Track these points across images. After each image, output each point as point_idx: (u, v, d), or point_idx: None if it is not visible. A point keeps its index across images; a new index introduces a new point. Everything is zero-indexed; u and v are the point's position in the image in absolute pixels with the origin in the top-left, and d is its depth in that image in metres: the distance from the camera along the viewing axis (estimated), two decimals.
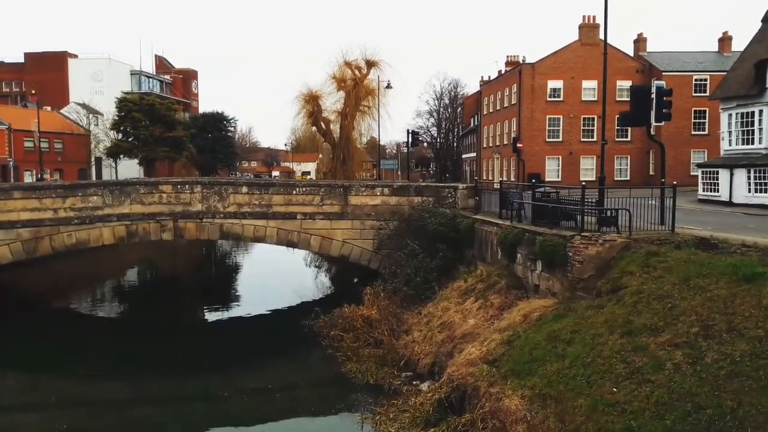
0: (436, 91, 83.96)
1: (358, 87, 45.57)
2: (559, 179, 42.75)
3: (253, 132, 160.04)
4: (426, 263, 20.25)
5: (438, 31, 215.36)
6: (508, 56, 57.02)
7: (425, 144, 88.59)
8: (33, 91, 65.91)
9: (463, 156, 76.65)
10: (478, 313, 15.57)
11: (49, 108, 71.12)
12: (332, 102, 47.29)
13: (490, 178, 52.22)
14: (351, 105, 45.72)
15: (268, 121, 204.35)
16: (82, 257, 30.45)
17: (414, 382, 14.38)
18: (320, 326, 18.68)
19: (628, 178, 43.92)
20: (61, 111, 74.79)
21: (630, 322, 10.60)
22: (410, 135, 46.72)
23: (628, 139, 43.76)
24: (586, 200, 14.87)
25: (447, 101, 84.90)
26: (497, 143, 52.50)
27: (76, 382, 16.81)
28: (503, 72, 55.55)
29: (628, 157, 44.54)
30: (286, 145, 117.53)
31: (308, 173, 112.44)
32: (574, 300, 13.07)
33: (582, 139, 44.21)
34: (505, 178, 44.91)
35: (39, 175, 58.67)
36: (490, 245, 18.80)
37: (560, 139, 44.45)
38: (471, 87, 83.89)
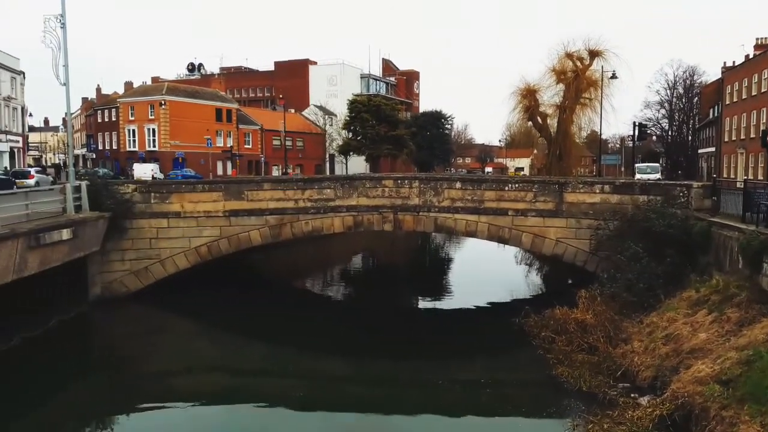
0: (669, 80, 76.27)
1: (579, 78, 43.43)
2: None
3: (468, 129, 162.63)
4: (651, 268, 18.74)
5: (671, 15, 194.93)
6: (757, 39, 49.64)
7: (654, 138, 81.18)
8: (281, 96, 75.33)
9: (699, 151, 68.69)
10: (710, 327, 14.04)
11: (293, 110, 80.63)
12: (550, 96, 45.83)
13: (732, 176, 46.05)
14: (570, 98, 43.81)
15: (483, 117, 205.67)
16: (315, 244, 34.26)
17: (632, 395, 13.52)
18: (530, 325, 18.48)
19: None
20: (303, 113, 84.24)
21: None
22: (637, 128, 43.31)
23: None
24: None
25: (681, 91, 76.66)
26: (742, 137, 46.00)
27: (306, 354, 18.78)
28: (751, 57, 48.42)
29: None
30: (500, 141, 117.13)
31: (521, 169, 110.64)
32: None
33: None
34: (750, 177, 39.21)
35: (284, 170, 67.01)
36: (728, 252, 16.74)
37: None
38: (710, 74, 74.77)
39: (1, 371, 16.20)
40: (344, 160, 74.33)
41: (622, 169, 69.63)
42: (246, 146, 72.96)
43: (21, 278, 17.30)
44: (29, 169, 50.26)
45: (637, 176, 38.78)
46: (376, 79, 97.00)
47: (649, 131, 65.29)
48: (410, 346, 19.28)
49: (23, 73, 57.91)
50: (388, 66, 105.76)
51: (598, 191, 23.21)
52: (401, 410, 14.64)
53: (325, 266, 36.10)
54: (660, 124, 79.74)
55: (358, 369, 17.70)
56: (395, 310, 25.85)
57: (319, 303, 27.27)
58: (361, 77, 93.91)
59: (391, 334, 20.78)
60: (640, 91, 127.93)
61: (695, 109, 75.07)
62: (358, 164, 75.96)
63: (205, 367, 17.99)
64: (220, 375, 17.38)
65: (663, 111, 78.81)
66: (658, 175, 40.92)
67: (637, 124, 44.50)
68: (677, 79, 75.92)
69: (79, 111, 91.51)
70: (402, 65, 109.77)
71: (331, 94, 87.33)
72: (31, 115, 68.84)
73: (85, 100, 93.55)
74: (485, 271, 33.55)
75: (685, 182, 25.00)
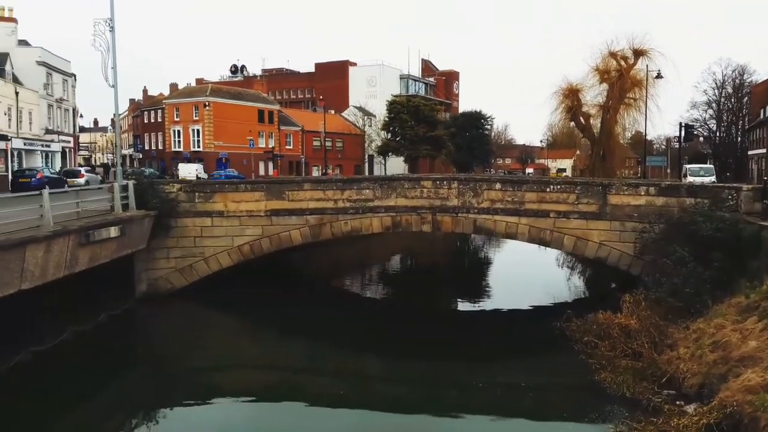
0: (717, 80, 74.00)
1: (623, 78, 42.58)
2: None
3: (508, 129, 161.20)
4: (698, 273, 18.19)
5: (720, 12, 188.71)
6: None
7: (701, 139, 78.86)
8: (321, 97, 76.06)
9: (749, 153, 66.34)
10: (761, 334, 13.56)
11: (332, 111, 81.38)
12: (593, 96, 45.09)
13: None
14: (614, 98, 42.99)
15: (524, 117, 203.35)
16: (354, 244, 34.48)
17: (677, 402, 13.17)
18: (572, 330, 18.19)
19: None
20: (342, 114, 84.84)
21: None
22: (683, 129, 42.18)
23: None
24: None
25: (730, 90, 74.31)
26: None
27: (345, 353, 18.96)
28: None
29: None
30: (541, 141, 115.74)
31: (564, 170, 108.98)
32: None
33: None
34: None
35: (324, 170, 67.65)
36: None
37: None
38: (761, 73, 72.12)
39: (53, 364, 16.88)
40: (383, 161, 74.59)
41: (668, 170, 67.84)
42: (287, 147, 74.00)
43: (72, 274, 17.95)
44: (80, 168, 52.07)
45: (689, 179, 35.31)
46: (415, 80, 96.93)
47: (695, 132, 63.44)
48: (449, 347, 19.23)
49: (74, 76, 60.04)
50: (427, 66, 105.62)
51: (643, 193, 22.68)
52: (440, 411, 14.63)
53: (364, 266, 36.27)
54: (707, 124, 77.45)
55: (396, 369, 17.75)
56: (434, 311, 25.80)
57: (358, 302, 27.43)
58: (401, 78, 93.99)
59: (430, 334, 20.74)
60: (688, 91, 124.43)
61: (745, 110, 72.62)
62: (396, 165, 76.05)
63: (246, 364, 18.35)
64: (261, 372, 17.70)
65: (711, 111, 76.54)
66: (712, 178, 36.54)
67: (683, 124, 43.39)
68: (726, 78, 73.67)
69: (127, 112, 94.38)
70: (442, 66, 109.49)
71: (371, 95, 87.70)
72: (81, 116, 71.32)
73: (132, 101, 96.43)
74: (525, 274, 33.14)
75: (734, 185, 24.21)
